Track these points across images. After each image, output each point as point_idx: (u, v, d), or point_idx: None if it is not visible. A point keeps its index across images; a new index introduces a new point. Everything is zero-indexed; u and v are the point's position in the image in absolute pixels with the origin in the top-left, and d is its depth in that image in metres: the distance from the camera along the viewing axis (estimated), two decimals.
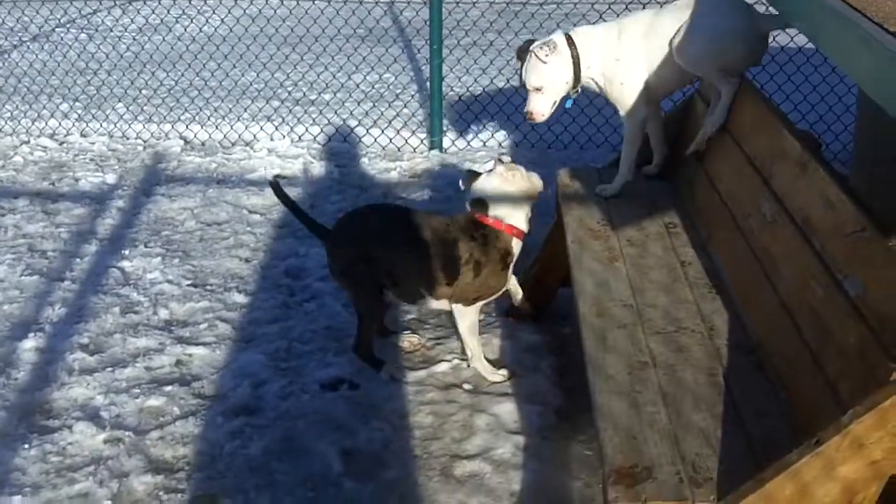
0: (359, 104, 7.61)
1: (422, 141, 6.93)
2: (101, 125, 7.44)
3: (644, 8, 4.28)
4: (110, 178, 6.47)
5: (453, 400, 3.86)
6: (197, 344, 4.36)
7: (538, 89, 3.99)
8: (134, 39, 9.10)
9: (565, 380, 3.97)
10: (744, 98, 3.71)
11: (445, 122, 7.02)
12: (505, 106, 6.96)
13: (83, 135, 7.36)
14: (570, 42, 3.99)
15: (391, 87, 8.16)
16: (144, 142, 7.19)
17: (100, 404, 3.92)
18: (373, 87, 8.00)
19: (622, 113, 4.08)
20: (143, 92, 8.13)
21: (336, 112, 7.49)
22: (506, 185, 4.00)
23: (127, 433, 3.73)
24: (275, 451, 3.59)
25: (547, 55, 3.92)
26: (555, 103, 4.05)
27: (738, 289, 3.31)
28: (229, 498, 3.36)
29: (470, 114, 7.25)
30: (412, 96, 7.96)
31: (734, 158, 3.61)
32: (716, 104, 3.82)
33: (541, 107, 4.01)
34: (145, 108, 7.79)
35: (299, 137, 7.11)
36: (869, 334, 2.34)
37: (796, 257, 2.87)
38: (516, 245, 4.00)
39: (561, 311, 4.45)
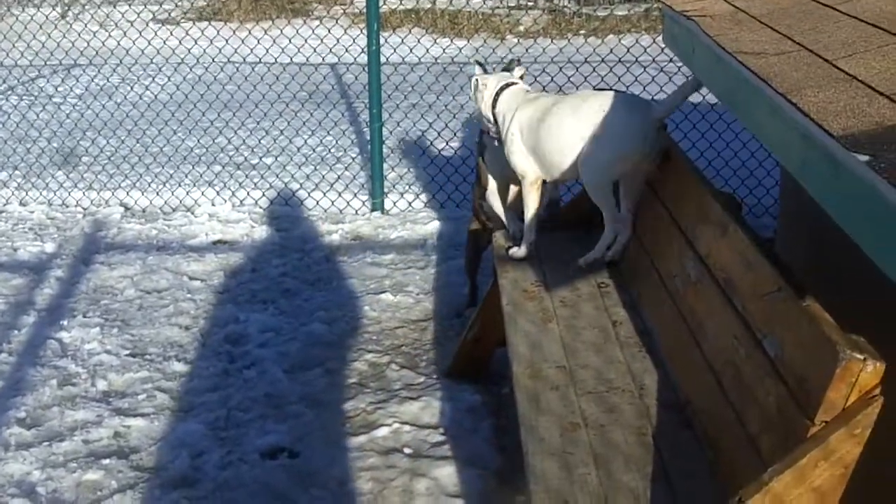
0: (300, 167, 7.67)
1: (363, 203, 6.98)
2: (40, 193, 7.42)
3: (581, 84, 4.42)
4: (49, 248, 6.44)
5: (393, 465, 3.88)
6: (135, 415, 4.35)
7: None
8: (74, 107, 9.08)
9: (504, 441, 4.01)
10: (669, 162, 3.80)
11: (387, 183, 7.08)
12: (445, 167, 7.05)
13: (22, 203, 7.32)
14: (502, 89, 4.31)
15: (332, 149, 8.23)
16: (84, 209, 7.17)
17: (36, 480, 3.89)
18: (314, 151, 8.06)
19: (519, 177, 4.26)
20: (84, 159, 8.12)
21: (278, 175, 7.54)
22: None
23: None
24: None
25: (476, 90, 4.39)
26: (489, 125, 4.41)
27: (666, 348, 3.38)
28: None
29: (410, 175, 7.34)
30: (353, 158, 8.03)
31: (661, 220, 3.70)
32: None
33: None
34: (85, 175, 7.77)
35: (241, 202, 7.14)
36: (787, 393, 2.41)
37: (719, 317, 2.94)
38: None
39: (500, 372, 4.49)
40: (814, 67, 2.59)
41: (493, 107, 4.30)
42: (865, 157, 1.86)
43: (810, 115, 2.19)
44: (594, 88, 7.22)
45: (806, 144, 2.21)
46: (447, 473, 3.82)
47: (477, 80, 4.39)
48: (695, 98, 6.60)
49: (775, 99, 2.44)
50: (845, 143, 1.97)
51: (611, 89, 4.00)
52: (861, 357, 2.20)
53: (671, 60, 6.92)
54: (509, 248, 4.32)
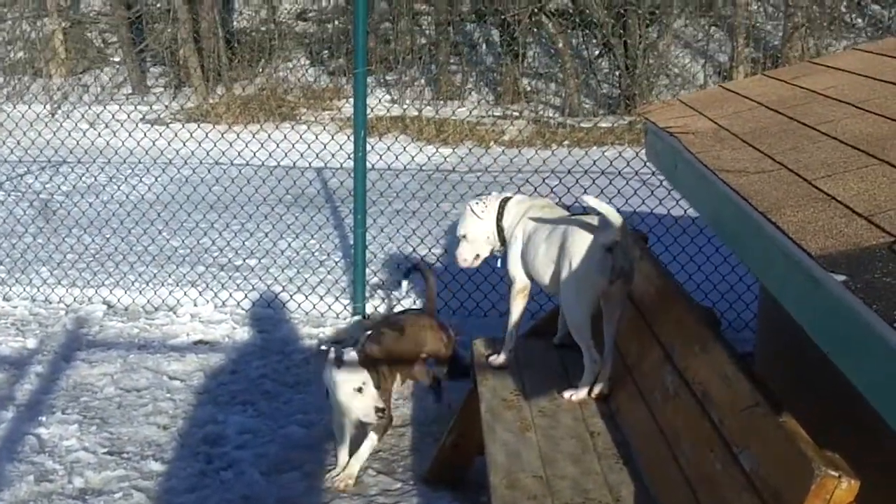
0: (283, 270, 7.72)
1: (345, 307, 7.03)
2: (24, 289, 7.44)
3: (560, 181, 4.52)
4: (31, 343, 6.44)
5: None
6: None
7: (464, 237, 4.47)
8: (61, 204, 9.17)
9: None
10: (646, 274, 3.88)
11: (368, 288, 7.14)
12: (426, 272, 7.09)
13: (5, 298, 7.33)
14: (502, 205, 4.40)
15: (316, 253, 8.29)
16: (67, 306, 7.19)
17: None
18: (297, 253, 8.13)
19: (509, 275, 4.37)
20: (69, 256, 8.15)
21: (260, 277, 7.59)
22: None
23: None
24: None
25: (479, 209, 4.40)
26: (478, 256, 4.50)
27: (644, 460, 3.41)
28: None
29: (393, 281, 7.39)
30: (336, 262, 8.09)
31: (641, 333, 3.75)
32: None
33: (464, 254, 4.51)
34: (69, 272, 7.80)
35: (223, 303, 7.17)
36: None
37: (696, 431, 2.98)
38: None
39: (478, 480, 4.48)
40: (794, 186, 2.68)
41: (500, 219, 4.39)
42: (842, 277, 1.93)
43: (789, 234, 2.27)
44: (577, 200, 7.39)
45: (786, 263, 2.29)
46: None
47: (470, 206, 4.48)
48: (677, 212, 6.78)
49: (755, 217, 2.53)
50: (823, 262, 2.04)
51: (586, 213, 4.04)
52: (836, 474, 2.24)
53: (653, 173, 7.06)
54: (489, 355, 4.37)
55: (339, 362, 4.31)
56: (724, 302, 6.53)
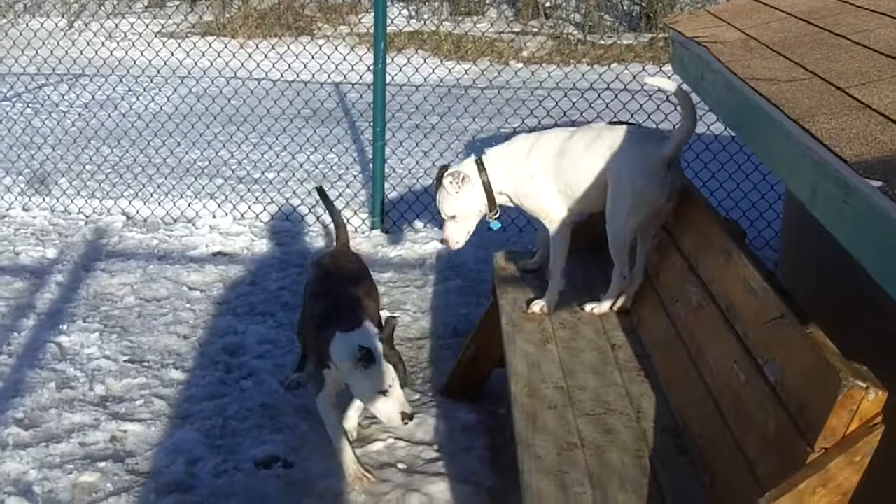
0: (302, 183, 7.69)
1: (363, 221, 7.01)
2: (43, 200, 7.44)
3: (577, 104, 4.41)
4: (51, 253, 6.45)
5: (387, 479, 3.88)
6: (132, 420, 4.35)
7: (451, 217, 4.07)
8: (80, 115, 9.13)
9: (499, 460, 4.01)
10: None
11: (387, 202, 7.11)
12: None
13: (25, 209, 7.35)
14: (481, 167, 4.03)
15: (334, 167, 8.26)
16: (86, 217, 7.20)
17: (33, 479, 3.90)
18: (316, 167, 8.09)
19: (545, 223, 4.03)
20: (87, 167, 8.14)
21: (279, 191, 7.56)
22: None
23: None
24: None
25: (457, 188, 3.99)
26: (469, 231, 4.13)
27: (665, 372, 3.40)
28: None
29: (411, 195, 7.36)
30: (355, 177, 8.06)
31: (664, 246, 3.72)
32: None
33: (455, 234, 4.10)
34: (88, 183, 7.79)
35: (242, 215, 7.16)
36: (787, 418, 2.42)
37: (720, 343, 2.96)
38: None
39: (496, 392, 4.50)
40: (826, 95, 2.62)
41: (487, 185, 4.02)
42: (878, 183, 1.89)
43: (822, 140, 2.22)
44: (599, 115, 7.31)
45: (817, 170, 2.24)
46: (440, 490, 3.83)
47: (445, 186, 4.01)
48: (699, 129, 6.69)
49: (787, 124, 2.47)
50: (858, 168, 1.99)
51: (620, 123, 3.92)
52: (863, 385, 2.21)
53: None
54: (520, 269, 4.38)
55: (369, 361, 3.59)
56: (745, 220, 6.47)
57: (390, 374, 3.58)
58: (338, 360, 3.71)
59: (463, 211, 4.05)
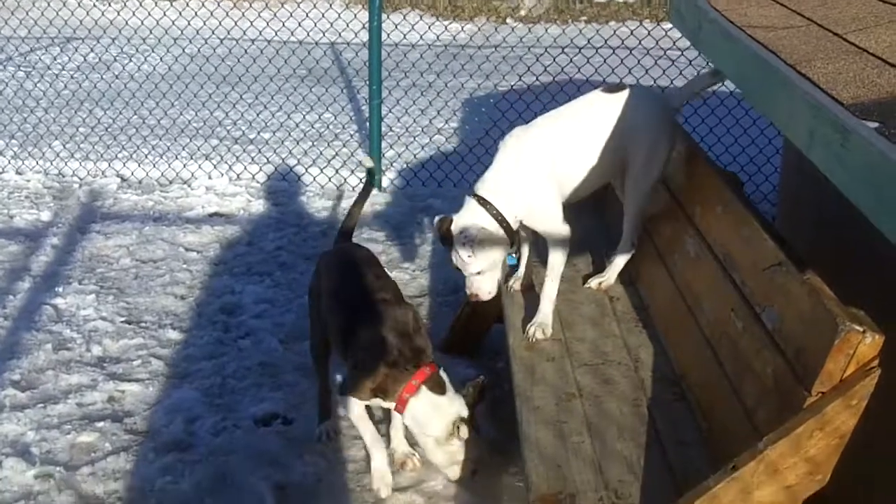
0: (298, 143, 7.65)
1: (360, 180, 6.97)
2: (36, 163, 7.39)
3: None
4: (45, 216, 6.43)
5: (386, 434, 3.88)
6: (130, 380, 4.35)
7: (479, 274, 3.48)
8: (72, 77, 9.07)
9: (499, 413, 4.01)
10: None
11: (384, 160, 7.08)
12: (443, 145, 7.05)
13: (18, 172, 7.30)
14: (485, 203, 3.45)
15: (331, 126, 8.21)
16: (80, 179, 7.16)
17: (31, 440, 3.90)
18: (312, 127, 8.04)
19: (556, 234, 3.59)
20: (81, 130, 8.08)
21: (275, 151, 7.52)
22: None
23: (58, 469, 3.72)
24: (206, 487, 3.60)
25: (475, 249, 3.41)
26: (498, 276, 3.63)
27: (662, 323, 3.40)
28: None
29: (409, 153, 7.33)
30: (351, 136, 8.02)
31: (661, 197, 3.70)
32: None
33: (485, 286, 3.51)
34: (82, 145, 7.74)
35: (238, 176, 7.13)
36: (784, 364, 2.42)
37: (717, 291, 2.96)
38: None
39: (495, 347, 4.49)
40: (823, 41, 2.60)
41: (504, 223, 3.46)
42: (874, 124, 1.87)
43: (819, 84, 2.20)
44: (597, 71, 7.26)
45: (814, 115, 2.21)
46: None
47: (459, 255, 3.45)
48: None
49: (784, 70, 2.45)
50: (855, 110, 1.97)
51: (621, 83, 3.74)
52: (860, 329, 2.21)
53: (674, 43, 6.93)
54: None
55: (441, 387, 3.37)
56: (743, 174, 6.44)
57: (460, 411, 3.35)
58: (420, 428, 3.41)
59: (489, 263, 3.46)
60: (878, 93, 2.08)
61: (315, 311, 3.98)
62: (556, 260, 3.57)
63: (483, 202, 3.44)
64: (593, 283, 3.81)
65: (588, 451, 2.73)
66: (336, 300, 3.74)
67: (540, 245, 3.84)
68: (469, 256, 3.40)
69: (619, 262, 3.78)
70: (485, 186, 3.49)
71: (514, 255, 3.80)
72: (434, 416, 3.34)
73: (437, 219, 3.53)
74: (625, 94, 3.60)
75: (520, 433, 2.87)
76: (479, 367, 4.39)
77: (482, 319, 4.49)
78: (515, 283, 3.88)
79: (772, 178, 6.38)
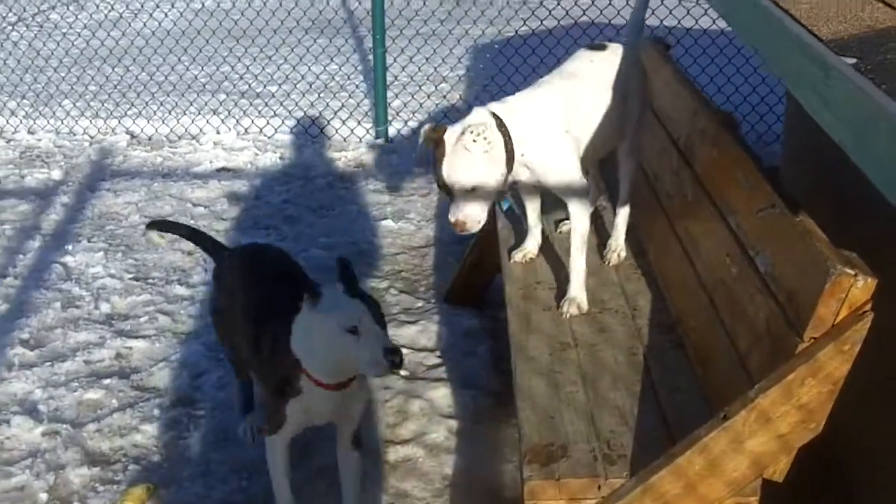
0: (304, 95, 7.60)
1: (367, 131, 6.95)
2: (48, 122, 7.41)
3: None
4: (56, 175, 6.45)
5: (389, 386, 3.89)
6: (137, 337, 4.38)
7: (470, 190, 2.99)
8: (79, 35, 9.02)
9: (501, 364, 4.01)
10: (666, 80, 3.74)
11: (390, 111, 7.04)
12: (449, 94, 7.00)
13: (30, 132, 7.32)
14: (499, 121, 3.08)
15: (336, 77, 8.16)
16: (91, 138, 7.16)
17: (38, 398, 3.94)
18: (317, 79, 7.99)
19: (574, 196, 3.28)
20: (91, 88, 8.08)
21: (282, 103, 7.49)
22: None
23: (64, 426, 3.76)
24: (210, 441, 3.64)
25: (485, 147, 2.97)
26: (487, 209, 3.06)
27: (660, 269, 3.37)
28: (163, 487, 3.39)
29: (415, 103, 7.28)
30: (357, 87, 7.97)
31: (659, 139, 3.66)
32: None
33: (475, 212, 3.01)
34: (92, 103, 7.72)
35: (245, 130, 7.11)
36: (777, 309, 2.39)
37: (714, 236, 2.92)
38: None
39: (499, 297, 4.46)
40: None
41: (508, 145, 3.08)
42: (852, 60, 1.83)
43: (801, 20, 2.15)
44: (601, 13, 7.17)
45: (801, 53, 2.17)
46: (442, 395, 3.84)
47: (465, 144, 2.95)
48: (705, 21, 6.56)
49: (771, 9, 2.40)
50: (833, 46, 1.93)
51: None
52: (852, 272, 2.16)
53: None
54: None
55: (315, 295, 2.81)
56: (754, 114, 6.38)
57: (358, 310, 2.73)
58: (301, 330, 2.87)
59: (487, 178, 3.00)
60: (860, 27, 2.04)
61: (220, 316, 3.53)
62: (580, 223, 3.25)
63: (496, 119, 3.08)
64: (612, 257, 3.56)
65: (581, 401, 2.73)
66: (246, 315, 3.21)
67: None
68: (468, 159, 2.94)
69: (622, 221, 3.61)
70: (510, 105, 3.18)
71: (508, 197, 3.58)
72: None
73: (426, 126, 3.07)
74: (619, 49, 3.51)
75: (514, 383, 2.86)
76: (483, 316, 4.40)
77: (486, 269, 4.48)
78: (517, 255, 3.64)
79: (767, 118, 6.31)
